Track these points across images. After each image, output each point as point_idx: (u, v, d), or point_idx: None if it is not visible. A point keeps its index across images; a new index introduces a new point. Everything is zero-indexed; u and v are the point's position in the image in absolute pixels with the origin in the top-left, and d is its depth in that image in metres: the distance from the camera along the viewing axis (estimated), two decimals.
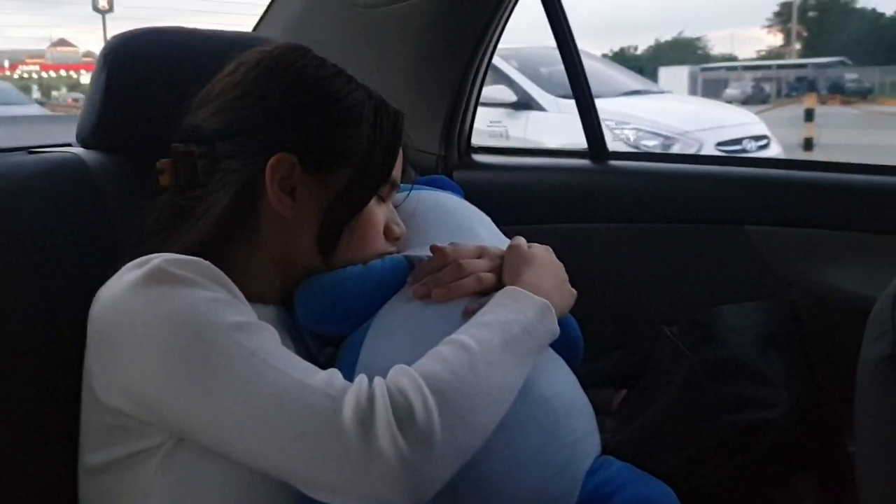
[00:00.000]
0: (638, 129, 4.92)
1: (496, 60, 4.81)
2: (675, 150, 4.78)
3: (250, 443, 0.72)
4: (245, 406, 0.72)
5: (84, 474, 0.86)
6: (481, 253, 0.97)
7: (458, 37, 1.59)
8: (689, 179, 1.53)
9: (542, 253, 0.98)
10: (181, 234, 0.88)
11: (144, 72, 1.08)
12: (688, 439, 1.07)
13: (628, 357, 1.36)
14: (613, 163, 1.61)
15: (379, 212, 0.97)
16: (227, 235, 0.89)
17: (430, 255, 0.96)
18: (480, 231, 1.10)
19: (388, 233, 0.99)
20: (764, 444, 1.04)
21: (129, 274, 0.79)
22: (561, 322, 0.91)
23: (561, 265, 1.00)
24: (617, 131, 4.86)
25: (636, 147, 4.82)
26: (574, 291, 0.98)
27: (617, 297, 1.48)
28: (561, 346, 0.94)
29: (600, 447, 0.96)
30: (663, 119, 5.04)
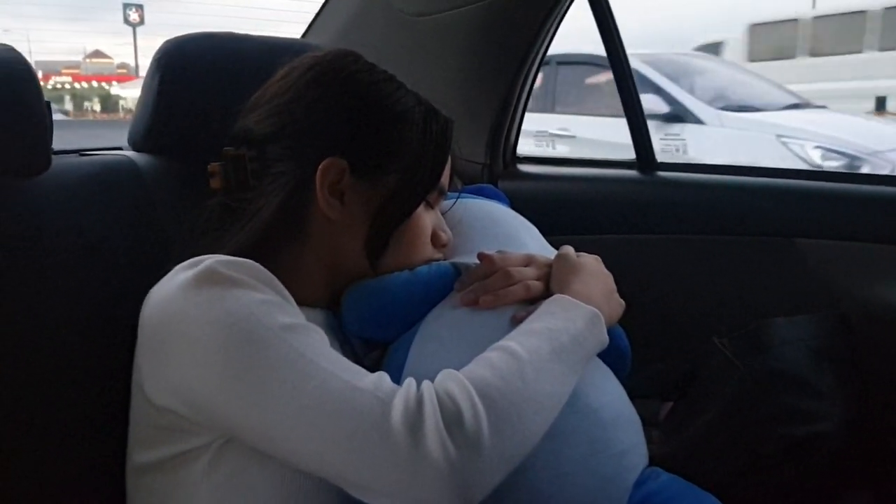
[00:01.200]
0: (821, 147, 4.43)
1: (640, 66, 4.61)
2: (864, 171, 4.23)
3: (298, 443, 0.72)
4: (294, 407, 0.72)
5: (132, 473, 0.86)
6: (529, 261, 0.97)
7: (506, 46, 1.59)
8: (739, 191, 1.51)
9: (591, 262, 0.97)
10: (231, 236, 0.89)
11: (197, 76, 1.09)
12: (737, 451, 1.05)
13: (675, 368, 1.34)
14: (662, 174, 1.59)
15: (427, 218, 0.97)
16: (277, 239, 0.90)
17: (477, 262, 0.95)
18: (527, 240, 1.09)
19: (435, 239, 0.99)
20: (816, 458, 1.02)
21: (181, 274, 0.79)
22: (609, 332, 0.90)
23: (609, 275, 0.99)
24: (795, 148, 4.42)
25: (818, 167, 4.32)
26: (622, 301, 0.97)
27: (664, 309, 1.47)
28: (609, 356, 0.93)
29: (648, 458, 0.94)
30: (849, 136, 4.55)
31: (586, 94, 5.57)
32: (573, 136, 5.26)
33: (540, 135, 5.34)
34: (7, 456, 0.85)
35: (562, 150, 5.20)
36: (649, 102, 4.49)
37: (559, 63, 5.43)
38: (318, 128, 0.91)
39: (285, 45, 1.16)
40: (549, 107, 5.52)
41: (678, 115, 4.76)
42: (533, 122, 4.89)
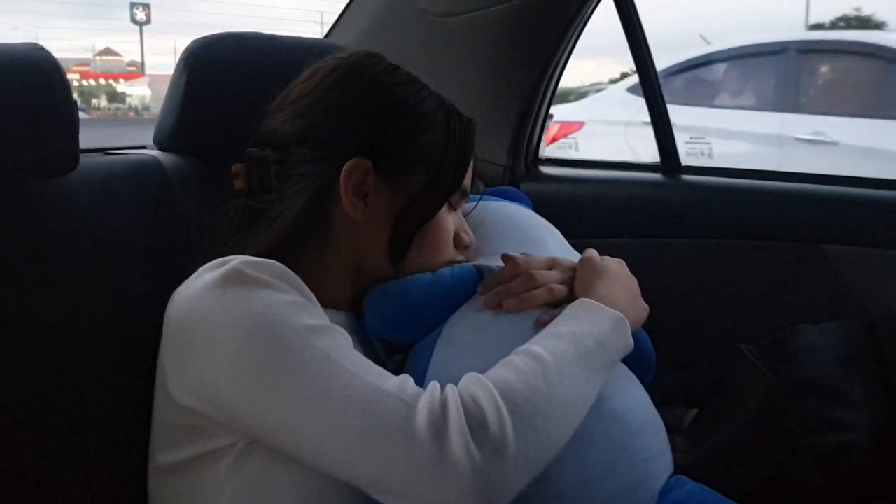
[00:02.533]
0: None
1: None
2: None
3: (321, 445, 0.72)
4: (318, 408, 0.72)
5: (154, 473, 0.86)
6: (553, 264, 0.96)
7: (530, 49, 1.59)
8: (765, 196, 1.50)
9: (616, 266, 0.96)
10: (255, 237, 0.89)
11: (223, 76, 1.10)
12: (765, 461, 1.03)
13: (700, 375, 1.33)
14: (686, 177, 1.58)
15: (449, 220, 0.97)
16: (300, 240, 0.90)
17: (500, 265, 0.95)
18: (550, 243, 1.09)
19: (457, 241, 0.99)
20: (844, 467, 1.00)
21: (206, 275, 0.79)
22: (634, 337, 0.89)
23: (634, 279, 0.98)
24: None
25: None
26: (647, 306, 0.96)
27: (689, 314, 1.46)
28: (633, 361, 0.92)
29: (673, 466, 0.93)
30: None
31: (846, 91, 4.61)
32: (835, 143, 4.18)
33: (782, 139, 4.42)
34: (30, 455, 0.85)
35: (828, 161, 4.12)
36: None
37: (799, 51, 4.51)
38: (342, 129, 0.91)
39: (310, 46, 1.17)
40: (790, 105, 4.53)
41: None
42: (765, 123, 4.40)
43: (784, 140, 4.37)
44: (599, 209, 1.60)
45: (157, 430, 0.85)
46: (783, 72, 4.53)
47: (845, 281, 1.37)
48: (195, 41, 1.11)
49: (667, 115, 1.60)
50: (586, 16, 1.55)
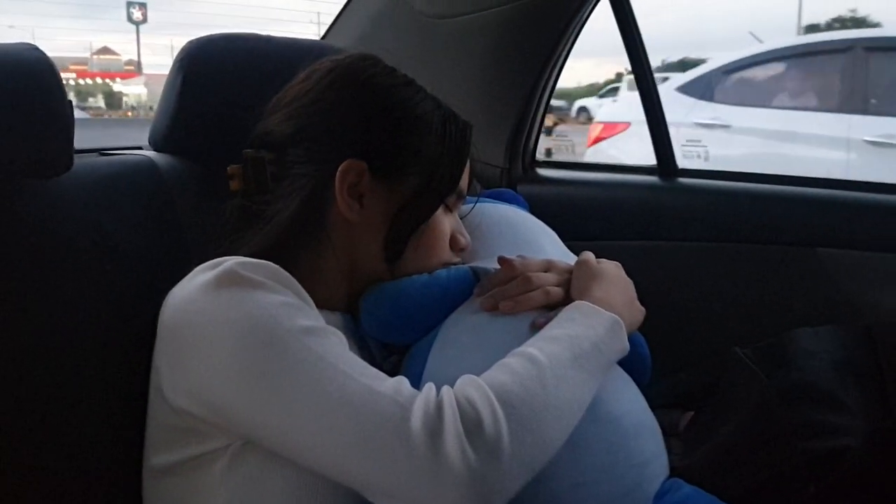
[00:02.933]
0: None
1: None
2: None
3: (316, 447, 0.72)
4: (313, 410, 0.71)
5: (149, 475, 0.86)
6: (549, 267, 0.96)
7: (527, 51, 1.59)
8: (761, 199, 1.50)
9: (612, 268, 0.96)
10: (250, 238, 0.89)
11: (219, 77, 1.10)
12: (760, 465, 1.03)
13: (696, 378, 1.33)
14: (683, 180, 1.58)
15: (445, 221, 0.97)
16: (296, 241, 0.89)
17: (497, 267, 0.95)
18: (546, 245, 1.09)
19: (453, 243, 0.99)
20: (839, 473, 1.00)
21: (201, 276, 0.79)
22: (630, 339, 0.89)
23: (630, 281, 0.98)
24: None
25: None
26: (643, 309, 0.97)
27: (685, 317, 1.46)
28: (629, 364, 0.92)
29: (668, 469, 0.93)
30: None
31: None
32: None
33: (850, 142, 4.09)
34: (24, 457, 0.84)
35: None
36: None
37: (867, 49, 4.19)
38: (337, 130, 0.91)
39: (307, 47, 1.16)
40: (859, 107, 4.19)
41: None
42: (830, 125, 4.12)
43: (852, 143, 4.10)
44: (596, 212, 1.60)
45: (152, 431, 0.85)
46: (849, 71, 4.22)
47: (841, 285, 1.37)
48: (191, 42, 1.11)
49: (663, 117, 1.60)
50: (584, 17, 1.55)
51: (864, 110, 4.16)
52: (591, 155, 4.97)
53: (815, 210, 1.45)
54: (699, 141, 4.47)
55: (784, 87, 4.69)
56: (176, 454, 0.81)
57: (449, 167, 0.94)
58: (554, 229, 1.15)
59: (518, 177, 1.69)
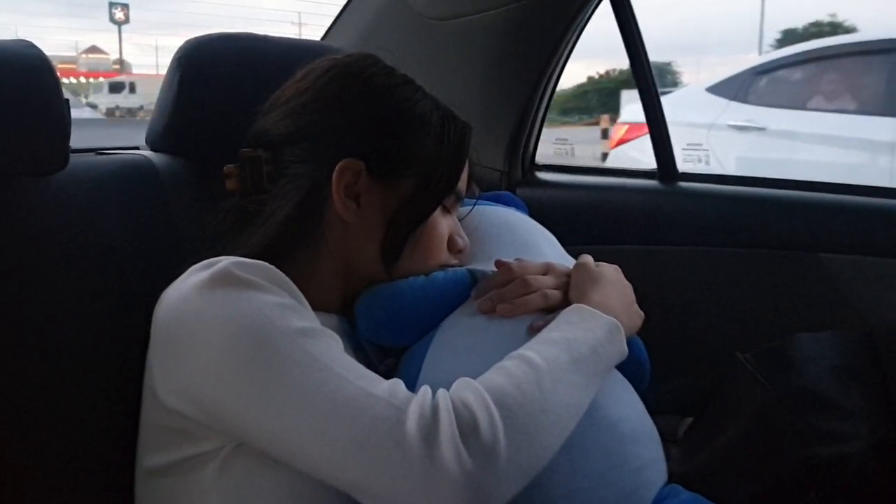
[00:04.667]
0: None
1: None
2: None
3: (310, 450, 0.71)
4: (307, 412, 0.71)
5: (141, 476, 0.85)
6: (547, 270, 0.95)
7: (526, 53, 1.58)
8: (762, 204, 1.49)
9: (611, 272, 0.96)
10: (246, 238, 0.89)
11: (216, 77, 1.09)
12: (760, 472, 1.02)
13: (695, 383, 1.32)
14: (683, 184, 1.57)
15: (443, 223, 0.97)
16: (292, 241, 0.89)
17: (494, 269, 0.94)
18: (545, 248, 1.08)
19: (451, 245, 0.99)
20: (840, 480, 0.99)
21: (195, 275, 0.78)
22: (628, 344, 0.88)
23: (629, 285, 0.97)
24: None
25: None
26: (642, 313, 0.96)
27: (684, 322, 1.45)
28: (627, 368, 0.91)
29: (667, 475, 0.92)
30: None
31: None
32: None
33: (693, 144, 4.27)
34: (17, 456, 0.84)
35: None
36: None
37: None
38: (335, 130, 0.91)
39: (305, 47, 1.17)
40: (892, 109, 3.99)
41: None
42: (872, 129, 3.88)
43: (697, 143, 4.34)
44: (595, 215, 1.59)
45: (145, 432, 0.84)
46: (893, 72, 3.99)
47: (843, 290, 1.36)
48: (188, 41, 1.10)
49: (664, 121, 1.59)
50: (584, 20, 1.55)
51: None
52: (614, 158, 4.77)
53: (817, 215, 1.44)
54: (700, 145, 4.38)
55: (820, 89, 4.43)
56: (168, 455, 0.80)
57: (447, 168, 0.94)
58: (553, 233, 1.15)
59: (517, 180, 1.68)
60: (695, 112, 4.45)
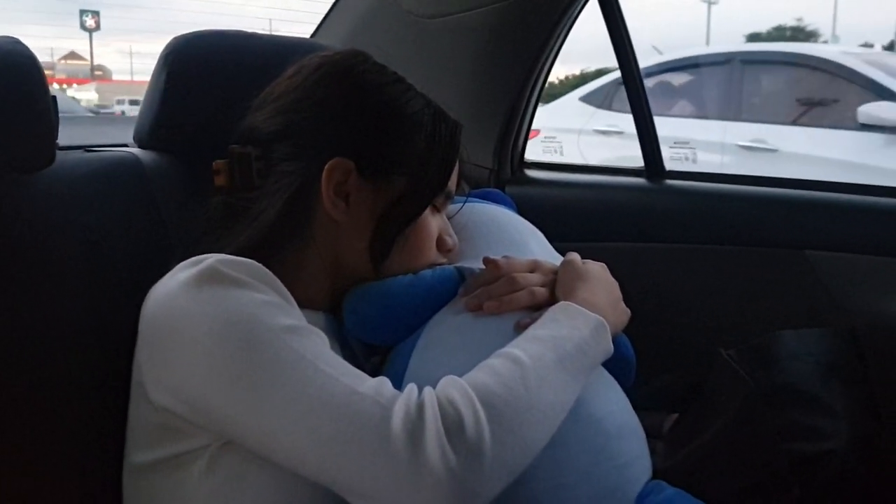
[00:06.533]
0: None
1: (866, 69, 4.15)
2: None
3: (296, 447, 0.71)
4: (292, 409, 0.71)
5: (129, 473, 0.85)
6: (534, 267, 0.96)
7: (515, 51, 1.58)
8: (748, 201, 1.50)
9: (597, 270, 0.96)
10: (234, 235, 0.88)
11: (204, 74, 1.09)
12: (743, 468, 1.03)
13: (680, 380, 1.33)
14: (670, 182, 1.58)
15: (433, 222, 0.96)
16: (280, 239, 0.89)
17: (482, 267, 0.94)
18: (533, 246, 1.08)
19: (440, 244, 0.98)
20: (823, 476, 1.00)
21: (182, 273, 0.78)
22: (614, 341, 0.89)
23: (615, 283, 0.98)
24: None
25: None
26: (628, 310, 0.96)
27: (670, 319, 1.45)
28: (613, 365, 0.92)
29: (651, 471, 0.93)
30: None
31: (785, 100, 4.82)
32: (774, 150, 4.40)
33: (725, 147, 4.58)
34: (4, 454, 0.84)
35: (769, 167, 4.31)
36: (889, 112, 3.93)
37: (744, 62, 4.79)
38: (325, 128, 0.90)
39: (294, 45, 1.16)
40: (732, 114, 4.78)
41: None
42: (707, 130, 4.54)
43: (727, 147, 4.57)
44: (583, 213, 1.60)
45: (133, 429, 0.84)
46: (727, 81, 4.79)
47: (827, 287, 1.37)
48: (176, 38, 1.10)
49: (651, 120, 1.60)
50: (572, 18, 1.55)
51: (738, 117, 4.72)
52: None
53: (803, 212, 1.45)
54: (554, 138, 5.00)
55: (675, 96, 5.10)
56: (156, 452, 0.80)
57: (437, 167, 0.93)
58: (542, 230, 1.15)
59: (506, 178, 1.69)
60: (570, 119, 5.12)
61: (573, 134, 5.04)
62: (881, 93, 4.07)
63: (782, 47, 5.05)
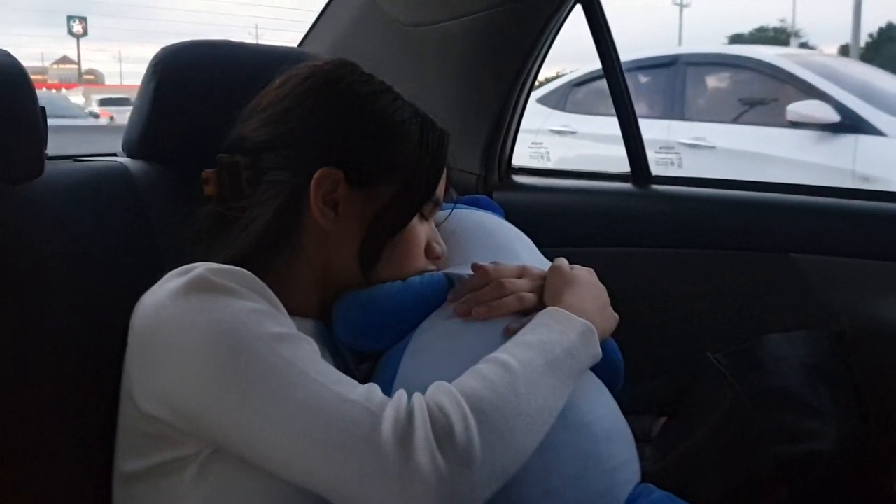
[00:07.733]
0: None
1: (795, 68, 4.37)
2: None
3: (286, 454, 0.72)
4: (283, 417, 0.71)
5: (119, 481, 0.85)
6: (522, 273, 0.96)
7: (502, 58, 1.59)
8: (734, 205, 1.50)
9: (585, 275, 0.97)
10: (224, 244, 0.88)
11: (192, 83, 1.09)
12: (731, 470, 1.04)
13: (669, 384, 1.34)
14: (656, 187, 1.59)
15: (421, 230, 0.97)
16: (269, 248, 0.89)
17: (471, 273, 0.95)
18: (521, 252, 1.09)
19: (429, 251, 0.99)
20: (810, 477, 1.01)
21: (171, 282, 0.79)
22: (602, 345, 0.89)
23: (603, 288, 0.98)
24: None
25: None
26: (616, 315, 0.97)
27: (658, 323, 1.46)
28: (602, 370, 0.92)
29: (640, 475, 0.93)
30: None
31: (724, 100, 5.07)
32: (713, 147, 4.66)
33: (665, 147, 4.76)
34: None
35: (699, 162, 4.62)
36: (814, 109, 4.16)
37: (687, 64, 5.03)
38: (313, 137, 0.91)
39: (283, 54, 1.16)
40: (676, 113, 5.00)
41: (851, 124, 4.10)
42: (656, 129, 4.60)
43: (670, 144, 4.80)
44: (571, 218, 1.60)
45: (122, 437, 0.84)
46: (671, 82, 5.04)
47: (814, 290, 1.38)
48: (165, 48, 1.10)
49: (637, 125, 1.61)
50: (557, 25, 1.56)
51: (682, 116, 4.96)
52: None
53: (788, 216, 1.46)
54: (541, 144, 5.20)
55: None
56: (146, 460, 0.80)
57: (426, 176, 0.94)
58: (529, 236, 1.15)
59: (494, 184, 1.69)
60: (528, 119, 5.11)
61: (531, 134, 5.17)
62: (811, 92, 4.31)
63: (723, 49, 5.30)
